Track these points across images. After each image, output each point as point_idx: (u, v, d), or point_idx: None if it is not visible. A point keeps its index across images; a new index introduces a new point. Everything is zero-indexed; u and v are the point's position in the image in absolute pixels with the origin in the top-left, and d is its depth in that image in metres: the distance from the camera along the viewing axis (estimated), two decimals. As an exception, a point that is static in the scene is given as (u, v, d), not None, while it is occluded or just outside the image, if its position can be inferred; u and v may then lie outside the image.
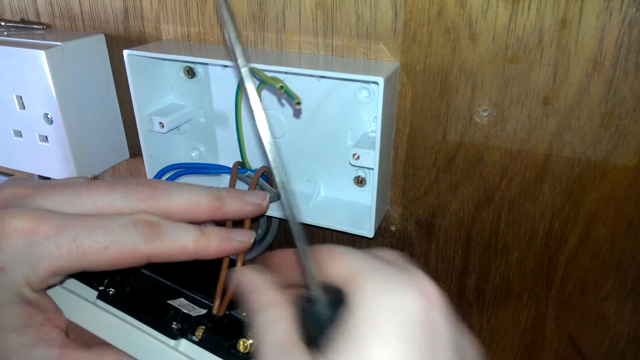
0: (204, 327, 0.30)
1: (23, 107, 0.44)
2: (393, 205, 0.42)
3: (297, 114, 0.41)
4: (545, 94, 0.34)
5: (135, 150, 0.51)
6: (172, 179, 0.40)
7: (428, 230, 0.42)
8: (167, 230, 0.25)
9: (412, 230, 0.42)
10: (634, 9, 0.30)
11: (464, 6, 0.33)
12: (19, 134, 0.46)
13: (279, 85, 0.32)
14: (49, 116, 0.44)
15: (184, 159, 0.47)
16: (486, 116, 0.36)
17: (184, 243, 0.26)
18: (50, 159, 0.46)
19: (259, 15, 0.39)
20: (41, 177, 0.56)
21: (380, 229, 0.43)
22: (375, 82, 0.33)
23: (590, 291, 0.39)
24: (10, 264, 0.23)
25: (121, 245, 0.24)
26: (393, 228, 0.43)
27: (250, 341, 0.30)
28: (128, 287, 0.30)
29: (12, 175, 0.60)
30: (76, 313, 0.29)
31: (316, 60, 0.37)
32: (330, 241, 0.46)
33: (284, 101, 0.41)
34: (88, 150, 0.46)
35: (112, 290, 0.30)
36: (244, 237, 0.28)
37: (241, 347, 0.30)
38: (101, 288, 0.30)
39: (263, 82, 0.35)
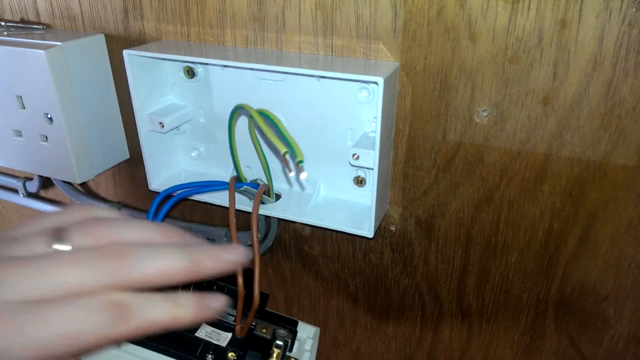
0: (235, 354, 0.31)
1: (23, 107, 0.44)
2: (393, 205, 0.42)
3: (299, 175, 0.42)
4: (545, 94, 0.34)
5: (135, 150, 0.51)
6: (175, 201, 0.41)
7: (428, 230, 0.42)
8: (138, 308, 0.24)
9: (412, 230, 0.42)
10: (634, 9, 0.30)
11: (464, 6, 0.33)
12: (19, 133, 0.46)
13: (283, 151, 0.33)
14: (49, 116, 0.44)
15: (183, 159, 0.47)
16: (486, 116, 0.36)
17: (157, 319, 0.25)
18: (50, 159, 0.46)
19: (259, 15, 0.39)
20: (41, 177, 0.56)
21: (380, 229, 0.43)
22: (375, 82, 0.33)
23: (590, 291, 0.39)
24: None
25: (90, 335, 0.23)
26: (393, 228, 0.43)
27: (275, 355, 0.31)
28: None
29: (11, 174, 0.60)
30: None
31: (316, 60, 0.37)
32: (330, 241, 0.46)
33: (283, 102, 0.41)
34: (88, 150, 0.46)
35: None
36: (218, 305, 0.28)
37: None
38: None
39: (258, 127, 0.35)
